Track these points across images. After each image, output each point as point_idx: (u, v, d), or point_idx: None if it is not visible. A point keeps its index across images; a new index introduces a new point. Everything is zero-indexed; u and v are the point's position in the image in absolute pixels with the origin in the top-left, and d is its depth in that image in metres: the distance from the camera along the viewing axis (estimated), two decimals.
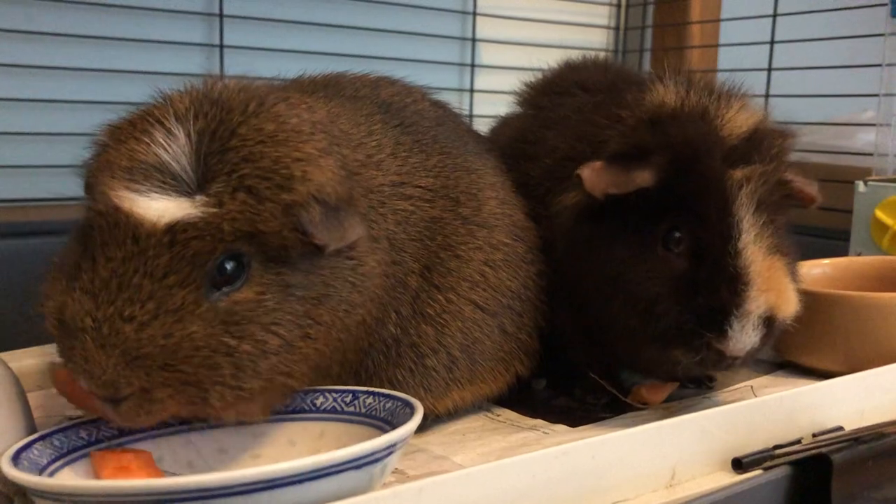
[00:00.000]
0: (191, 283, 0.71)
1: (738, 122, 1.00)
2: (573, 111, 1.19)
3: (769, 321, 0.95)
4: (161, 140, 0.73)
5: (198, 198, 0.72)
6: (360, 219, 0.80)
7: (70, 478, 0.74)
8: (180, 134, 0.74)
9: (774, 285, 0.95)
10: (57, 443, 0.76)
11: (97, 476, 0.76)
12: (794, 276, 1.01)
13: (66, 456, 0.76)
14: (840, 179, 1.73)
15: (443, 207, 0.98)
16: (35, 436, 0.75)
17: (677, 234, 0.96)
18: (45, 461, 0.73)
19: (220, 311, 0.72)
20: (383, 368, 0.93)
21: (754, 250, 0.94)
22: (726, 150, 0.98)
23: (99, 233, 0.72)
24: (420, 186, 0.96)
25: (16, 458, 0.69)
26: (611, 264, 0.99)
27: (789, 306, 0.97)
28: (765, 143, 1.00)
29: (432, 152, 1.00)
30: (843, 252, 1.57)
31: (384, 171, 0.93)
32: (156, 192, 0.71)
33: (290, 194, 0.74)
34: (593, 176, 0.99)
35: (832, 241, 1.63)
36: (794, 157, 1.92)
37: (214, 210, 0.72)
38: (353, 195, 0.82)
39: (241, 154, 0.74)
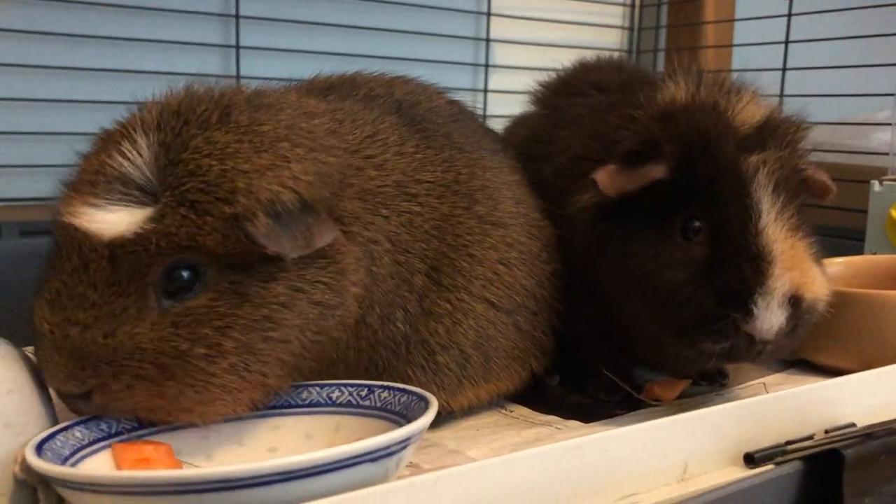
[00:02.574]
0: (132, 292, 0.75)
1: (749, 112, 1.00)
2: (587, 111, 1.20)
3: (796, 302, 0.93)
4: (126, 152, 0.77)
5: (144, 211, 0.75)
6: (331, 224, 0.82)
7: (91, 468, 0.75)
8: (143, 146, 0.77)
9: (798, 264, 0.94)
10: (79, 434, 0.77)
11: (118, 467, 0.77)
12: (818, 260, 1.00)
13: (88, 447, 0.77)
14: (855, 179, 1.73)
15: (453, 204, 0.98)
16: (58, 427, 0.76)
17: (696, 223, 0.96)
18: (67, 452, 0.74)
19: (171, 316, 0.76)
20: (394, 366, 0.94)
21: (775, 229, 0.94)
22: (740, 138, 0.98)
23: (56, 245, 0.78)
24: (428, 182, 0.97)
25: (39, 449, 0.71)
26: (630, 259, 0.99)
27: (816, 287, 0.96)
28: (779, 130, 1.00)
29: (444, 148, 1.01)
30: (859, 251, 1.57)
31: (387, 171, 0.94)
32: (111, 206, 0.75)
33: (232, 207, 0.75)
34: (607, 178, 0.99)
35: (847, 240, 1.63)
36: (810, 155, 1.93)
37: (153, 226, 0.75)
38: (327, 200, 0.83)
39: (188, 167, 0.76)
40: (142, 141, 0.77)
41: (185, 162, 0.76)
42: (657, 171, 0.97)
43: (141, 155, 0.77)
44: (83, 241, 0.75)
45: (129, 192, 0.76)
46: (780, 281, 0.92)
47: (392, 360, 0.94)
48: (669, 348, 0.99)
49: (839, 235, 1.66)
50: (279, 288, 0.79)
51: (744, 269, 0.92)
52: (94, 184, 0.77)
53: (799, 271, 0.94)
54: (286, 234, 0.77)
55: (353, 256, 0.85)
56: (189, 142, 0.77)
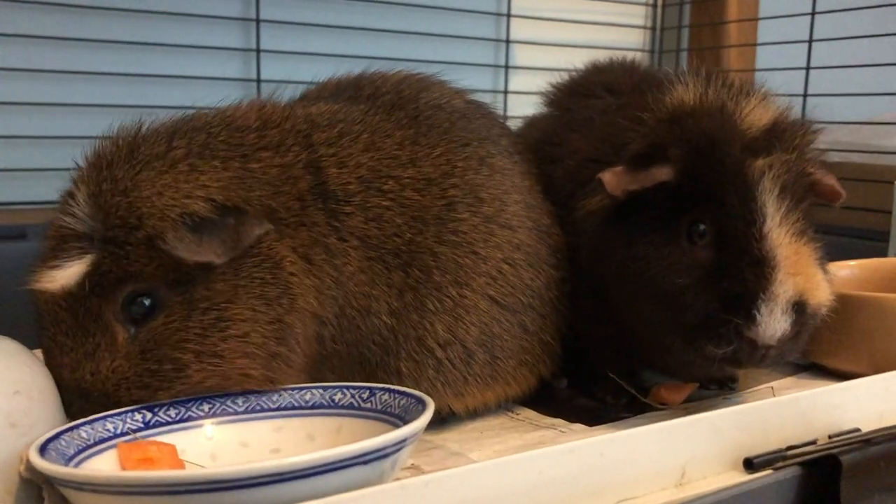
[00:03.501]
0: (97, 331, 0.84)
1: (757, 115, 1.00)
2: (598, 113, 1.20)
3: (800, 307, 0.93)
4: (70, 208, 0.86)
5: (85, 259, 0.83)
6: (259, 220, 0.86)
7: (95, 468, 0.77)
8: (80, 199, 0.85)
9: (803, 269, 0.93)
10: (84, 434, 0.79)
11: (122, 467, 0.79)
12: (823, 265, 0.99)
13: (93, 447, 0.79)
14: (879, 179, 1.71)
15: (444, 198, 0.99)
16: (63, 427, 0.78)
17: (701, 226, 0.96)
18: (71, 452, 0.76)
19: (140, 342, 0.84)
20: (385, 361, 0.96)
21: (780, 233, 0.93)
22: (746, 141, 0.97)
23: (35, 309, 0.87)
24: (408, 178, 0.98)
25: (43, 449, 0.73)
26: (636, 262, 0.99)
27: (820, 292, 0.95)
28: (786, 134, 1.00)
29: (438, 143, 1.02)
30: (882, 253, 1.55)
31: (350, 168, 0.96)
32: (65, 263, 0.84)
33: (144, 231, 0.83)
34: (613, 179, 1.00)
35: (871, 241, 1.61)
36: (832, 156, 1.91)
37: (89, 270, 0.83)
38: (257, 199, 0.88)
39: (105, 209, 0.84)
40: (79, 195, 0.86)
41: (102, 206, 0.84)
42: (663, 174, 0.97)
43: (80, 209, 0.85)
44: (47, 300, 0.85)
45: (78, 246, 0.84)
46: (784, 286, 0.92)
47: (382, 355, 0.95)
48: (674, 352, 0.99)
49: (862, 236, 1.64)
50: (221, 286, 0.85)
51: (747, 274, 0.92)
52: (52, 248, 0.86)
53: (803, 276, 0.93)
54: (211, 241, 0.83)
55: (287, 248, 0.89)
56: (102, 185, 0.85)
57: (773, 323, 0.91)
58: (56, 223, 0.87)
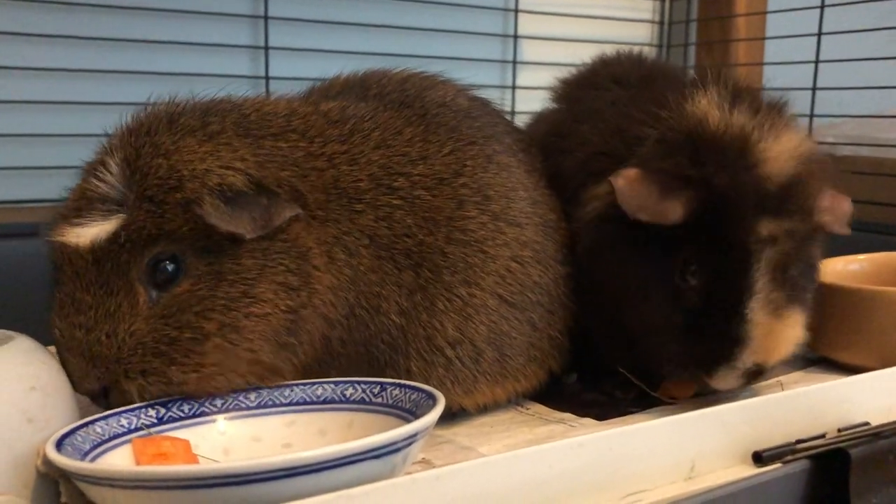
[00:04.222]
0: (120, 289, 0.83)
1: (780, 162, 0.99)
2: (607, 105, 1.19)
3: (757, 369, 1.00)
4: (99, 175, 0.86)
5: (118, 217, 0.84)
6: (290, 204, 0.87)
7: (110, 463, 0.78)
8: (112, 165, 0.86)
9: (769, 344, 0.98)
10: (99, 430, 0.80)
11: (137, 462, 0.80)
12: (803, 309, 1.03)
13: (108, 442, 0.80)
14: (889, 173, 1.71)
15: (455, 198, 0.99)
16: (79, 423, 0.79)
17: (693, 268, 0.99)
18: (87, 447, 0.77)
19: (161, 307, 0.83)
20: (395, 360, 0.96)
21: (760, 315, 0.97)
22: (762, 196, 0.97)
23: (53, 264, 0.87)
24: (418, 175, 0.98)
25: (59, 444, 0.74)
26: (630, 280, 1.03)
27: (779, 358, 1.01)
28: (801, 194, 0.99)
29: (447, 142, 1.02)
30: (891, 247, 1.54)
31: (362, 165, 0.96)
32: (91, 222, 0.84)
33: (182, 193, 0.83)
34: (627, 189, 0.99)
35: (880, 235, 1.61)
36: (841, 150, 1.90)
37: (123, 223, 0.83)
38: (287, 180, 0.88)
39: (143, 171, 0.85)
40: (110, 161, 0.86)
41: (141, 168, 0.85)
42: (675, 214, 0.97)
43: (111, 174, 0.85)
44: (71, 254, 0.84)
45: (106, 208, 0.84)
46: (746, 361, 0.98)
47: (392, 355, 0.95)
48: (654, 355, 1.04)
49: (871, 230, 1.64)
50: (249, 262, 0.85)
51: (716, 344, 0.98)
52: (77, 208, 0.86)
53: (766, 351, 0.98)
54: (242, 215, 0.84)
55: (314, 240, 0.89)
56: (141, 150, 0.86)
57: (728, 383, 1.01)
58: (82, 186, 0.87)
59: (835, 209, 1.03)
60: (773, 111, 1.05)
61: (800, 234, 0.99)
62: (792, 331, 1.01)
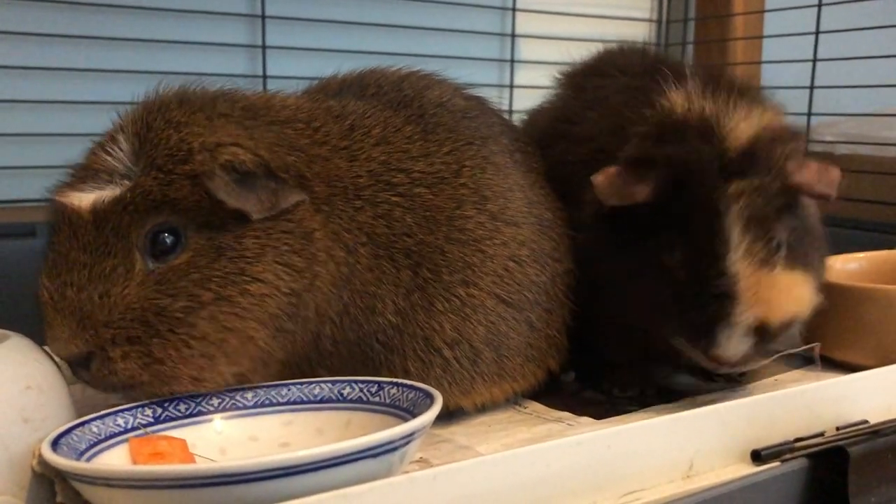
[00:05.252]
0: (118, 252, 0.82)
1: (740, 130, 1.00)
2: (613, 92, 1.21)
3: (762, 329, 0.97)
4: (109, 149, 0.86)
5: (123, 183, 0.84)
6: (297, 189, 0.87)
7: (106, 463, 0.78)
8: (122, 140, 0.86)
9: (764, 298, 0.96)
10: (95, 429, 0.80)
11: (134, 461, 0.79)
12: (807, 268, 1.02)
13: (104, 442, 0.79)
14: (888, 171, 1.71)
15: (454, 198, 0.99)
16: (75, 422, 0.79)
17: (674, 243, 0.99)
18: (83, 446, 0.77)
19: (157, 276, 0.82)
20: (391, 360, 0.95)
21: (743, 267, 0.96)
22: (725, 163, 0.98)
23: (51, 226, 0.86)
24: (418, 171, 0.98)
25: (55, 443, 0.73)
26: (621, 269, 1.03)
27: (785, 309, 0.99)
28: (763, 153, 1.00)
29: (445, 141, 1.02)
30: (891, 245, 1.54)
31: (361, 161, 0.96)
32: (96, 189, 0.84)
33: (191, 165, 0.83)
34: (605, 183, 1.02)
35: (879, 233, 1.61)
36: (840, 148, 1.91)
37: (129, 186, 0.83)
38: (294, 165, 0.89)
39: (153, 142, 0.85)
40: (120, 137, 0.86)
41: (151, 139, 0.85)
42: (642, 194, 0.99)
43: (121, 149, 0.86)
44: (71, 214, 0.83)
45: (112, 179, 0.85)
46: (743, 317, 0.96)
47: (387, 355, 0.95)
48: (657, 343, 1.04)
49: (870, 229, 1.64)
50: (250, 242, 0.85)
51: (708, 308, 0.96)
52: (83, 178, 0.86)
53: (765, 305, 0.96)
54: (250, 194, 0.84)
55: (319, 223, 0.89)
56: (152, 124, 0.86)
57: (732, 347, 0.97)
58: (90, 157, 0.87)
59: (820, 174, 1.03)
60: (742, 95, 1.06)
61: (770, 192, 0.99)
62: (793, 286, 1.00)
